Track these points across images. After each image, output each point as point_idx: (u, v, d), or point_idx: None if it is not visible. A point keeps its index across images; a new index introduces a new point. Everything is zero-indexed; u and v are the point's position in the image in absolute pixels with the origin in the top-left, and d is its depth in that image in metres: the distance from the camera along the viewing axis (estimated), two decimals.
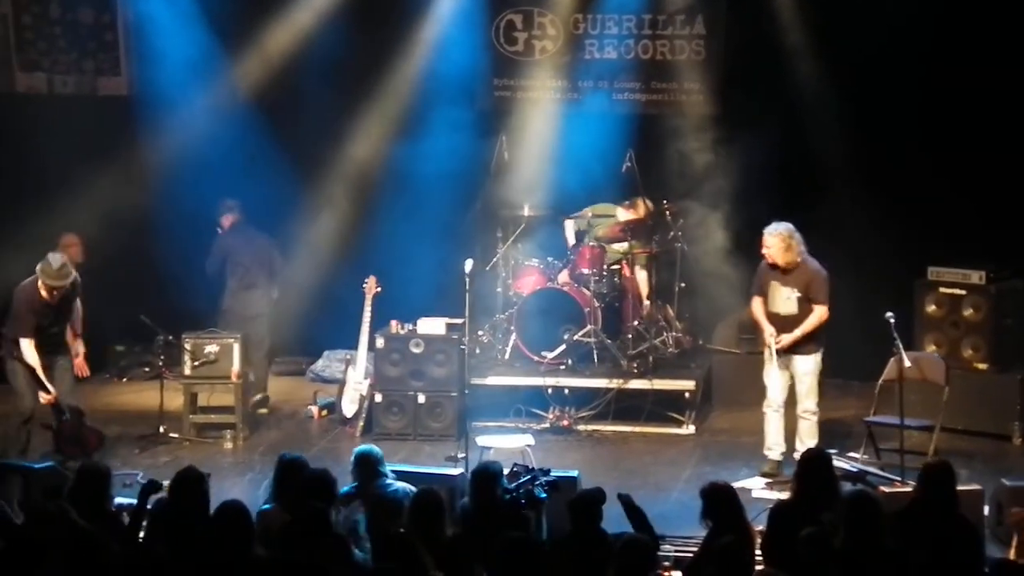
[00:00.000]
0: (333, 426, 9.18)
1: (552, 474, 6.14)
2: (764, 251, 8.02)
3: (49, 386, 8.02)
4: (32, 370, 8.01)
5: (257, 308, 9.55)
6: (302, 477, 5.91)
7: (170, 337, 9.08)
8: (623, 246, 9.61)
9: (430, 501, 5.58)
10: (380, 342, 9.02)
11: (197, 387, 8.98)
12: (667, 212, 9.54)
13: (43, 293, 8.05)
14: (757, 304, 8.10)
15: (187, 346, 8.91)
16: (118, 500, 6.28)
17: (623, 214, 9.55)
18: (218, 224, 9.65)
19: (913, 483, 7.24)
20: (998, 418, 8.65)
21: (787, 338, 7.94)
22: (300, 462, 6.08)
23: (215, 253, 9.58)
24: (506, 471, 6.09)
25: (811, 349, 7.97)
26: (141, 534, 5.86)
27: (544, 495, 5.92)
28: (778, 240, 7.94)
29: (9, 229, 10.11)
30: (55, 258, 8.13)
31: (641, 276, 9.65)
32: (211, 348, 8.91)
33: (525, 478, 6.02)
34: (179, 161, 10.20)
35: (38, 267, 8.09)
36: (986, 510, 6.78)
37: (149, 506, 5.96)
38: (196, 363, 8.89)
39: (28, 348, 8.02)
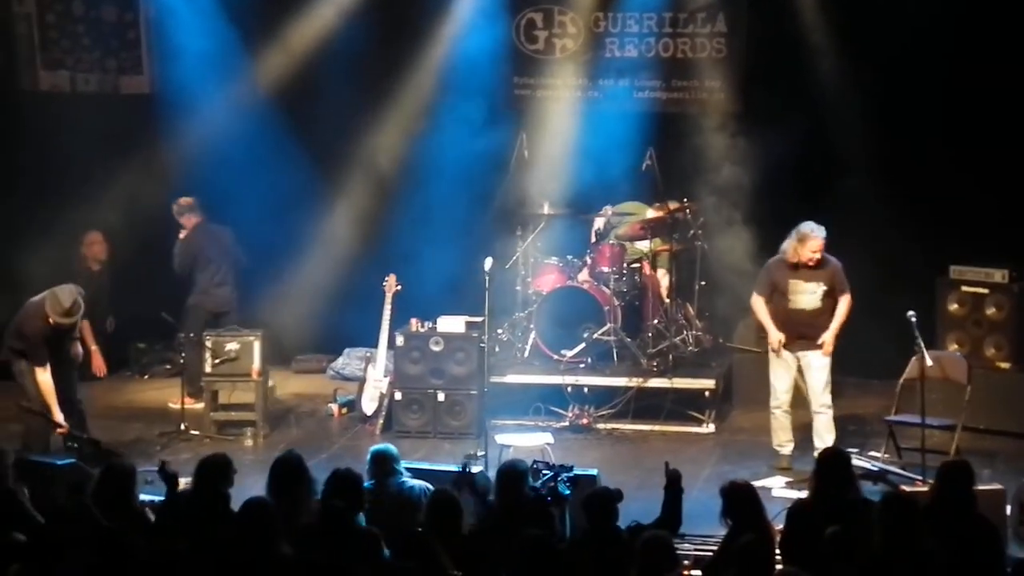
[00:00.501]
0: (353, 424, 9.20)
1: (568, 467, 6.13)
2: (812, 253, 7.89)
3: (61, 418, 7.93)
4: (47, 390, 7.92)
5: (227, 305, 9.61)
6: (330, 478, 5.84)
7: (191, 334, 9.11)
8: (644, 244, 9.60)
9: (446, 500, 5.58)
10: (400, 340, 9.03)
11: (218, 384, 9.01)
12: (687, 210, 9.52)
13: (49, 320, 7.90)
14: (761, 304, 8.07)
15: (208, 344, 8.94)
16: (143, 497, 6.31)
17: (652, 213, 9.54)
18: (179, 226, 9.65)
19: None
20: (1020, 417, 8.60)
21: (829, 336, 7.90)
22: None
23: (183, 253, 9.63)
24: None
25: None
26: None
27: (568, 491, 5.92)
28: (823, 241, 7.89)
29: (33, 227, 10.18)
30: (66, 295, 7.90)
31: (661, 274, 9.63)
32: (232, 345, 8.94)
33: (547, 475, 6.02)
34: (200, 158, 10.24)
35: (48, 295, 7.91)
36: (1008, 509, 6.73)
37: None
38: (217, 360, 8.93)
39: (43, 376, 7.90)
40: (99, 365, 9.19)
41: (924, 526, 5.25)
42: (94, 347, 9.14)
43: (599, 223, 9.65)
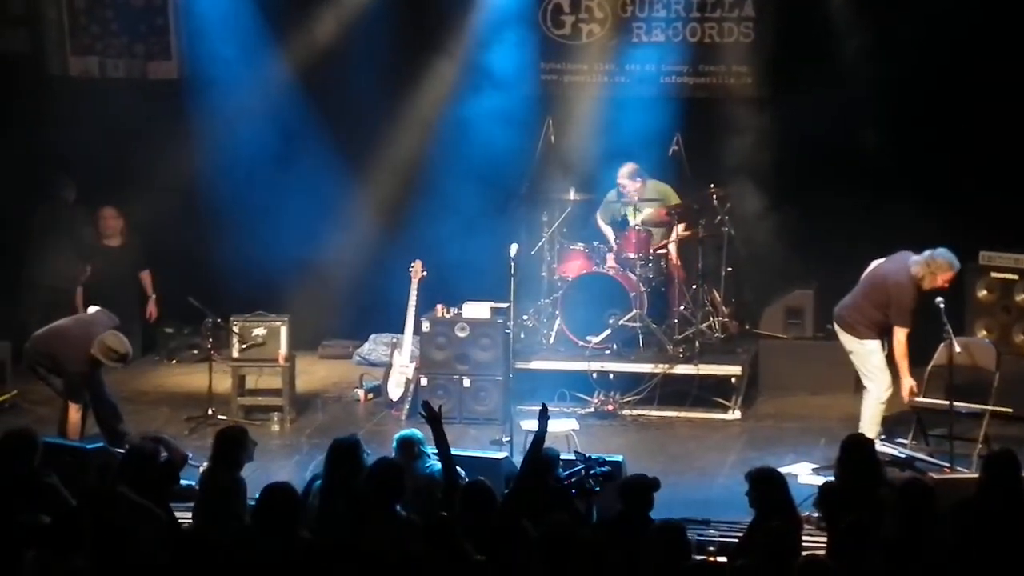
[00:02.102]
0: (379, 409, 9.23)
1: (602, 462, 6.11)
2: (945, 284, 7.75)
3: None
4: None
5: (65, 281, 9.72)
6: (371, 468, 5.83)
7: (218, 320, 9.15)
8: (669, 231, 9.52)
9: (479, 489, 5.57)
10: (426, 326, 9.05)
11: (245, 369, 9.05)
12: (714, 196, 9.47)
13: (97, 361, 7.85)
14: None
15: (235, 328, 8.98)
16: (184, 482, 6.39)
17: (674, 199, 9.49)
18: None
19: (963, 470, 7.19)
20: None
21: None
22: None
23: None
24: (565, 457, 6.09)
25: None
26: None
27: (598, 488, 5.91)
28: None
29: (61, 215, 10.25)
30: (118, 341, 7.80)
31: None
32: (259, 331, 8.98)
33: (579, 467, 6.01)
34: (228, 144, 10.27)
35: (97, 341, 7.77)
36: None
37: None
38: (244, 346, 8.97)
39: (75, 416, 7.89)
40: (152, 311, 9.59)
41: (942, 514, 5.21)
42: (152, 295, 9.78)
43: (601, 220, 9.53)
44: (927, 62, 9.33)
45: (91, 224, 10.24)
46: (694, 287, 9.42)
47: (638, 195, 9.43)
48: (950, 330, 7.79)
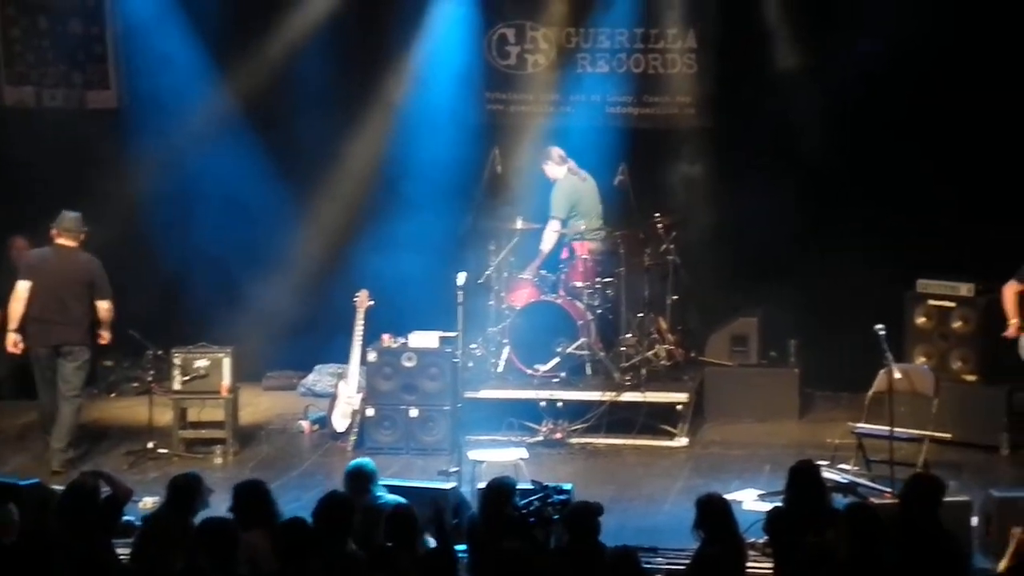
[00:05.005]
0: (324, 441, 9.15)
1: (560, 490, 6.10)
2: None
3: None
4: None
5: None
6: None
7: (160, 352, 9.04)
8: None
9: (403, 515, 5.57)
10: (372, 356, 9.00)
11: (187, 402, 8.93)
12: (659, 225, 9.55)
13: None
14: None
15: (177, 361, 8.86)
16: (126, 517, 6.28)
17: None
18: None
19: None
20: (986, 429, 8.67)
21: None
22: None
23: None
24: (522, 485, 6.07)
25: None
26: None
27: (556, 516, 5.90)
28: None
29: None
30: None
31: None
32: (201, 363, 8.87)
33: (536, 495, 6.00)
34: (169, 174, 10.19)
35: None
36: (974, 521, 6.78)
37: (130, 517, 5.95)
38: (186, 378, 8.86)
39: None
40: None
41: (888, 536, 5.29)
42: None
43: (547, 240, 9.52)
44: (866, 95, 9.51)
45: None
46: (640, 315, 9.48)
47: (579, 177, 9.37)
48: (890, 357, 7.91)
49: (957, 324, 8.99)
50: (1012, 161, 9.30)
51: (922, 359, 8.95)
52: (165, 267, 10.26)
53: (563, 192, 9.50)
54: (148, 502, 7.20)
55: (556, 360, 9.18)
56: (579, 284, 9.40)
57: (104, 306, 8.67)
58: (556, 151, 9.54)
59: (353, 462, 6.45)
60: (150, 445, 8.71)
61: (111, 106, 10.60)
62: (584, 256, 9.48)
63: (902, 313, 9.07)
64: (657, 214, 9.57)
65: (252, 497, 5.80)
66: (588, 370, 9.26)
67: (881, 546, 5.23)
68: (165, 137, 10.19)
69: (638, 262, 9.48)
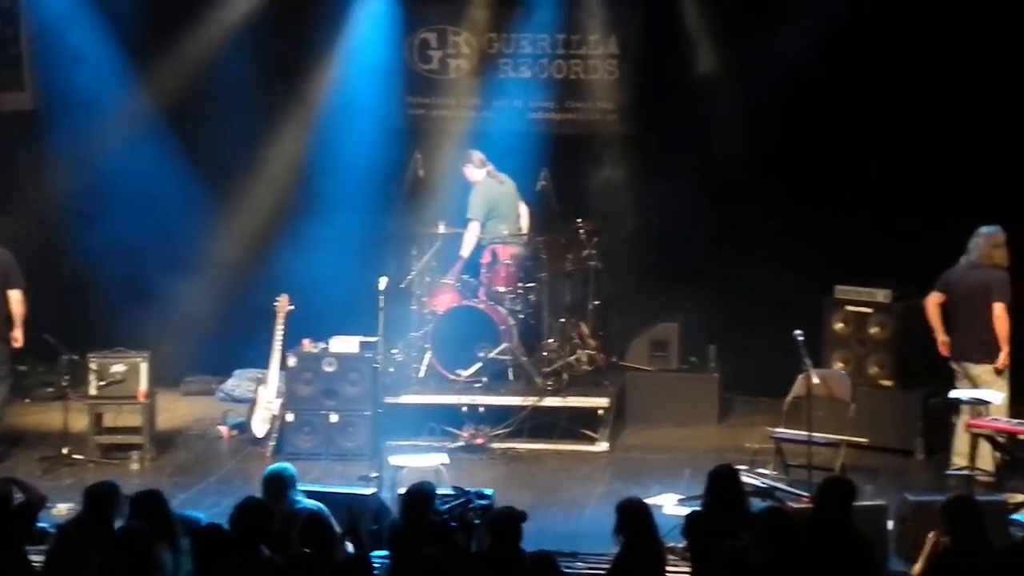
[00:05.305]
0: (243, 446, 9.04)
1: (481, 495, 6.08)
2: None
3: None
4: None
5: None
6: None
7: (75, 356, 8.87)
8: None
9: (319, 522, 5.53)
10: (292, 361, 8.92)
11: (103, 407, 8.78)
12: (581, 230, 9.60)
13: None
14: None
15: (92, 365, 8.71)
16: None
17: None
18: None
19: None
20: (902, 434, 8.82)
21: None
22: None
23: None
24: (443, 491, 6.05)
25: None
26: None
27: (478, 521, 5.88)
28: None
29: None
30: None
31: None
32: (117, 368, 8.73)
33: (458, 500, 5.97)
34: (85, 176, 10.00)
35: None
36: (890, 525, 6.89)
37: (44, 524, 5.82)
38: (102, 383, 8.71)
39: None
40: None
41: (802, 540, 5.36)
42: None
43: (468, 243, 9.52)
44: (784, 103, 9.63)
45: None
46: (562, 320, 9.51)
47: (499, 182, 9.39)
48: (808, 362, 8.02)
49: (874, 330, 9.13)
50: (930, 165, 9.45)
51: (840, 364, 9.08)
52: (81, 270, 10.07)
53: (480, 195, 9.50)
54: (63, 509, 7.09)
55: (478, 365, 9.17)
56: (501, 289, 9.41)
57: (16, 296, 8.49)
58: (476, 155, 9.55)
59: (271, 467, 6.38)
60: (65, 451, 8.58)
61: (26, 108, 10.39)
62: (507, 261, 9.49)
63: (820, 318, 9.21)
64: (579, 219, 9.62)
65: (150, 506, 5.70)
66: (510, 375, 9.26)
67: (795, 550, 5.30)
68: (81, 137, 10.02)
69: (560, 267, 9.52)
